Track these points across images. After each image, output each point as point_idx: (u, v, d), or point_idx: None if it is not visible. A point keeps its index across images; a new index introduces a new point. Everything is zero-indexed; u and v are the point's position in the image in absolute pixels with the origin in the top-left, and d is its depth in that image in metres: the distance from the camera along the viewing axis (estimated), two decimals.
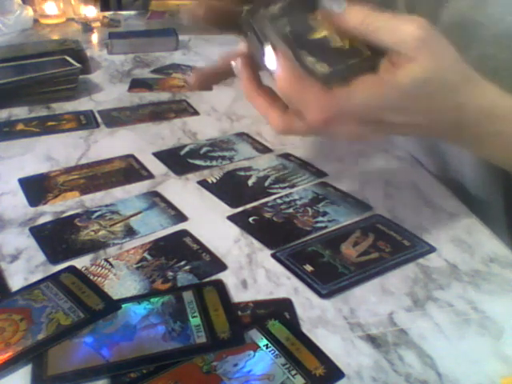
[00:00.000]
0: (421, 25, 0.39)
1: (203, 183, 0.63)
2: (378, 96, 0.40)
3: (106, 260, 0.50)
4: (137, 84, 0.97)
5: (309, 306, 0.45)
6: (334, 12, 0.40)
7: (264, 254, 0.51)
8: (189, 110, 0.85)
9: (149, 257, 0.50)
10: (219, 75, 0.53)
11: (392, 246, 0.52)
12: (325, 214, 0.57)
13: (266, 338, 0.41)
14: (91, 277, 0.48)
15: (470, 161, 0.64)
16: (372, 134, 0.45)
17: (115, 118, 0.82)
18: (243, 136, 0.75)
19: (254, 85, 0.46)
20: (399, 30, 0.39)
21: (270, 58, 0.43)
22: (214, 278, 0.48)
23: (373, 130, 0.44)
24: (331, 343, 0.41)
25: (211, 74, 0.53)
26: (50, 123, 0.80)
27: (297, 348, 0.40)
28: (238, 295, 0.46)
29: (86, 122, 0.80)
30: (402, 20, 0.39)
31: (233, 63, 0.47)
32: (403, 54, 0.38)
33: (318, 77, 0.40)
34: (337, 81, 0.40)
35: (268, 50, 0.42)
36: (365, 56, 0.40)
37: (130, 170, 0.66)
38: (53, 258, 0.50)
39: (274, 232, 0.55)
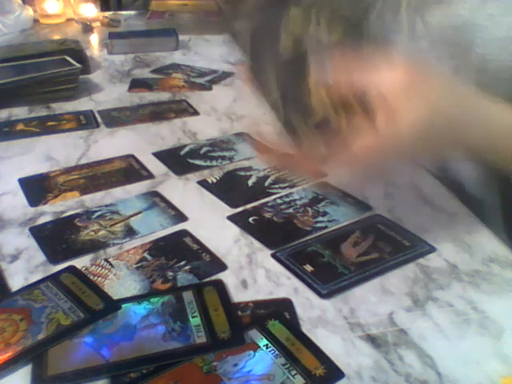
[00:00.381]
0: (402, 72, 0.40)
1: (203, 183, 0.63)
2: (381, 152, 0.42)
3: (106, 260, 0.50)
4: (137, 84, 0.97)
5: (309, 306, 0.45)
6: (324, 82, 0.41)
7: (264, 254, 0.51)
8: (189, 110, 0.85)
9: (149, 257, 0.50)
10: None
11: (392, 246, 0.52)
12: (325, 213, 0.57)
13: (266, 338, 0.41)
14: (91, 277, 0.48)
15: (467, 161, 0.64)
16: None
17: (115, 118, 0.82)
18: (243, 136, 0.75)
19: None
20: (381, 83, 0.40)
21: None
22: (214, 277, 0.48)
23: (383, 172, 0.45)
24: (331, 343, 0.41)
25: None
26: (50, 123, 0.80)
27: (297, 348, 0.40)
28: (238, 295, 0.46)
29: (85, 122, 0.80)
30: (383, 72, 0.40)
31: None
32: (392, 105, 0.39)
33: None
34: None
35: None
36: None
37: (130, 170, 0.66)
38: (53, 258, 0.50)
39: (274, 232, 0.55)
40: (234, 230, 0.55)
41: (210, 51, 1.16)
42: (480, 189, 0.65)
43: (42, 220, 0.56)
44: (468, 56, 0.53)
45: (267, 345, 0.40)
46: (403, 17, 0.60)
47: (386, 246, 0.52)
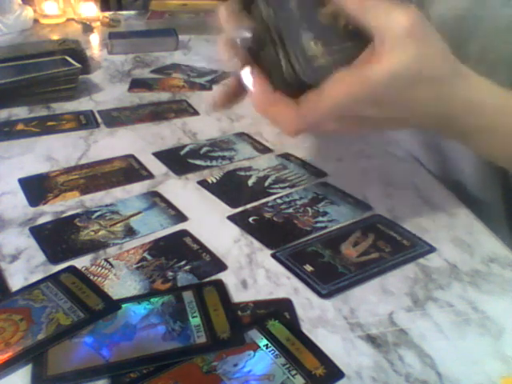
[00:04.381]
0: (412, 15, 0.39)
1: (203, 183, 0.63)
2: (350, 94, 0.40)
3: (106, 260, 0.50)
4: (137, 84, 0.97)
5: (309, 306, 0.45)
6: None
7: (264, 254, 0.51)
8: (189, 110, 0.85)
9: (149, 257, 0.50)
10: (236, 95, 0.50)
11: (392, 246, 0.52)
12: (325, 213, 0.57)
13: (266, 338, 0.41)
14: (91, 277, 0.48)
15: (470, 159, 0.64)
16: (353, 128, 0.45)
17: (115, 118, 0.82)
18: (243, 136, 0.75)
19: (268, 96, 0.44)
20: (389, 17, 0.39)
21: (246, 77, 0.43)
22: (213, 278, 0.48)
23: (353, 124, 0.44)
24: (331, 343, 0.41)
25: (230, 94, 0.50)
26: (50, 123, 0.80)
27: (297, 348, 0.40)
28: (237, 295, 0.46)
29: (86, 121, 0.80)
30: (396, 8, 0.39)
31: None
32: (387, 42, 0.38)
33: (306, 60, 0.40)
34: (324, 66, 0.40)
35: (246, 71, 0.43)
36: (361, 42, 0.40)
37: (130, 170, 0.66)
38: (53, 258, 0.50)
39: (273, 232, 0.55)
40: (234, 230, 0.55)
41: (210, 51, 1.16)
42: (481, 186, 0.65)
43: (41, 220, 0.56)
44: (468, 47, 0.53)
45: (267, 345, 0.40)
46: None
47: (386, 246, 0.52)
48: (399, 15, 0.39)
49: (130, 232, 0.54)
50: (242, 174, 0.66)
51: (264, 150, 0.72)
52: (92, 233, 0.54)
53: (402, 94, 0.40)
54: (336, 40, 0.41)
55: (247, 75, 0.43)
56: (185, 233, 0.54)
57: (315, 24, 0.41)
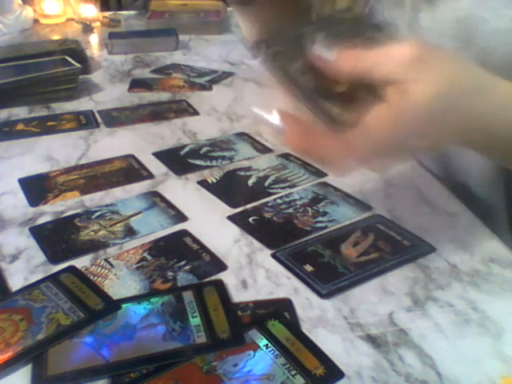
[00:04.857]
0: (411, 47, 0.38)
1: (203, 183, 0.63)
2: (396, 126, 0.39)
3: (106, 260, 0.50)
4: (137, 84, 0.97)
5: (309, 306, 0.45)
6: (326, 60, 0.39)
7: (264, 254, 0.51)
8: (189, 110, 0.85)
9: (149, 257, 0.50)
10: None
11: (392, 246, 0.52)
12: (325, 213, 0.57)
13: (266, 338, 0.41)
14: (91, 277, 0.48)
15: (474, 160, 0.64)
16: (398, 159, 0.45)
17: (115, 118, 0.82)
18: (243, 136, 0.75)
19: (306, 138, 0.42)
20: (391, 61, 0.38)
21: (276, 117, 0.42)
22: (213, 278, 0.48)
23: (398, 156, 0.44)
24: (331, 343, 0.41)
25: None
26: (50, 123, 0.80)
27: (297, 348, 0.40)
28: (238, 295, 0.46)
29: (86, 121, 0.80)
30: (391, 48, 0.39)
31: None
32: (405, 80, 0.38)
33: (333, 118, 0.40)
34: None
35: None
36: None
37: (130, 170, 0.66)
38: (53, 258, 0.50)
39: (274, 232, 0.55)
40: (234, 230, 0.55)
41: (210, 51, 1.16)
42: (485, 187, 0.65)
43: (42, 220, 0.56)
44: (469, 49, 0.52)
45: (267, 345, 0.40)
46: (406, 10, 0.60)
47: (386, 246, 0.52)
48: (400, 53, 0.38)
49: (130, 232, 0.54)
50: (242, 174, 0.66)
51: (264, 150, 0.72)
52: (92, 233, 0.54)
53: (438, 117, 0.40)
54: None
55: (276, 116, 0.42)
56: (185, 233, 0.54)
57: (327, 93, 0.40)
